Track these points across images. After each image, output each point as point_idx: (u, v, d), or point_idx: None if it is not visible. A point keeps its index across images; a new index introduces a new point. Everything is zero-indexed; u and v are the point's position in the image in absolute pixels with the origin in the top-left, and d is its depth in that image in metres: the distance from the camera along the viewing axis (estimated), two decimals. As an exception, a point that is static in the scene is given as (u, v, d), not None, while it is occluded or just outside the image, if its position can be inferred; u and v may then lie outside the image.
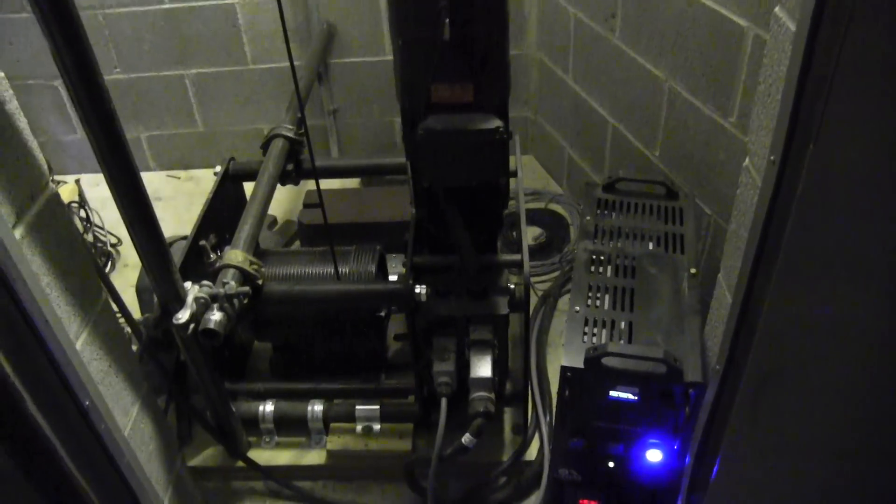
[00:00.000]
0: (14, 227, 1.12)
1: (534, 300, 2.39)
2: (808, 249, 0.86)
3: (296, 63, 2.85)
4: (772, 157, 0.85)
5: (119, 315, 1.51)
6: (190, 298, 1.56)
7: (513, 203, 2.24)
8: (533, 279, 2.51)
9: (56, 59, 1.13)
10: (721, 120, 1.81)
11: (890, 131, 0.78)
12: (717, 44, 1.76)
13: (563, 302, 2.40)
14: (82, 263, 1.35)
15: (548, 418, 1.99)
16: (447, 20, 1.43)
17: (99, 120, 1.22)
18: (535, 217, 2.75)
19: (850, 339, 0.99)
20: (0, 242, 1.01)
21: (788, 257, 0.85)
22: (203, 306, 1.57)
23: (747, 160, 1.15)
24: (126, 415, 1.48)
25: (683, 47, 1.90)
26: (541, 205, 2.83)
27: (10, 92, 1.16)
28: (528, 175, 2.97)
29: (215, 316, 1.56)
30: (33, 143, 1.22)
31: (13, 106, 1.17)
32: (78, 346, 1.25)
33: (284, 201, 2.91)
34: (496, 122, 1.53)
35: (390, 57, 2.86)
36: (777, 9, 0.98)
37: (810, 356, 1.01)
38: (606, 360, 1.43)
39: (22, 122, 1.19)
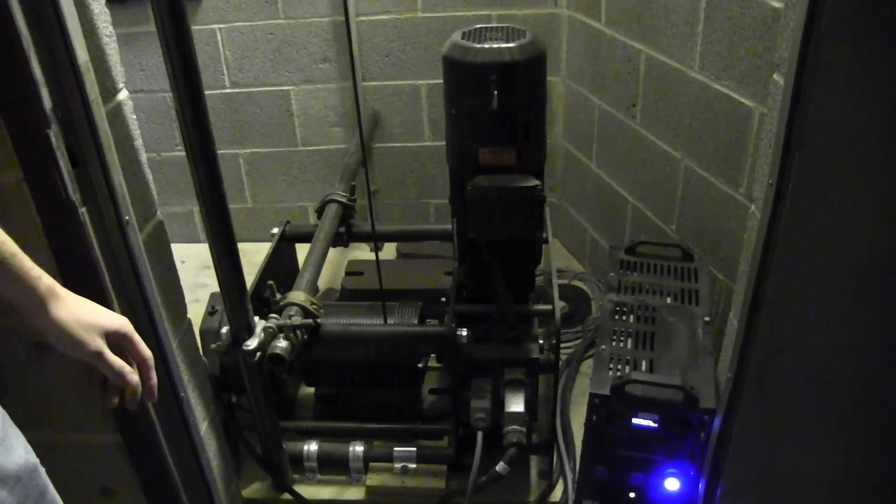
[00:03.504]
0: (138, 238, 1.34)
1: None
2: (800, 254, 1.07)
3: (343, 146, 3.13)
4: (770, 181, 1.07)
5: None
6: (259, 328, 1.77)
7: (540, 277, 2.47)
8: (557, 345, 2.69)
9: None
10: (731, 192, 2.04)
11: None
12: (728, 123, 2.00)
13: (585, 366, 2.57)
14: (175, 286, 1.56)
15: (572, 464, 2.14)
16: (495, 92, 1.68)
17: (206, 162, 1.46)
18: (559, 292, 2.95)
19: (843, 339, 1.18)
20: (137, 244, 1.22)
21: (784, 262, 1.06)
22: (270, 336, 1.77)
23: (752, 206, 1.36)
24: (199, 428, 1.66)
25: (697, 128, 2.15)
26: (564, 281, 3.04)
27: (139, 131, 1.40)
28: (553, 255, 3.19)
29: (282, 343, 1.76)
30: (149, 176, 1.45)
31: (139, 143, 1.40)
32: (174, 347, 1.45)
33: (325, 273, 3.13)
34: (535, 182, 1.76)
35: (428, 143, 3.16)
36: (774, 74, 1.21)
37: (811, 335, 1.19)
38: (630, 388, 1.61)
39: (143, 158, 1.42)
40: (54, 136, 1.06)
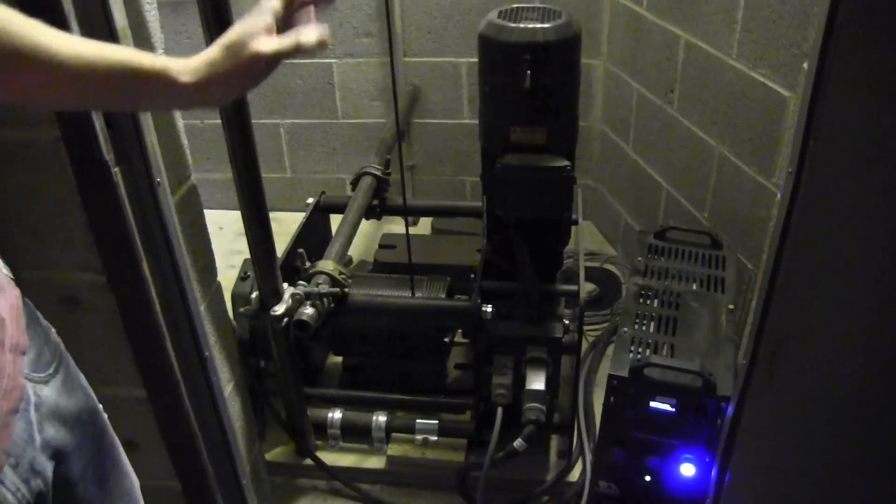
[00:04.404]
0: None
1: (585, 346, 2.57)
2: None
3: (382, 120, 3.16)
4: (790, 169, 1.07)
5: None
6: (287, 295, 1.81)
7: (570, 259, 2.48)
8: (585, 328, 2.69)
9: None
10: (764, 181, 2.03)
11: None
12: (763, 112, 1.99)
13: (611, 349, 2.58)
14: (206, 250, 1.60)
15: (591, 445, 2.16)
16: (528, 71, 1.69)
17: (239, 127, 1.50)
18: (590, 274, 2.96)
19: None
20: (167, 205, 1.27)
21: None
22: (298, 302, 1.81)
23: (778, 195, 1.36)
24: (224, 390, 1.71)
25: (733, 116, 2.14)
26: (596, 264, 3.04)
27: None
28: (586, 238, 3.19)
29: (308, 310, 1.80)
30: (185, 141, 1.49)
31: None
32: (201, 310, 1.49)
33: (359, 245, 3.17)
34: (565, 162, 1.77)
35: (467, 121, 3.17)
36: (805, 63, 1.21)
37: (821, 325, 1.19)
38: (649, 371, 1.62)
39: (180, 123, 1.46)
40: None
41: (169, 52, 1.36)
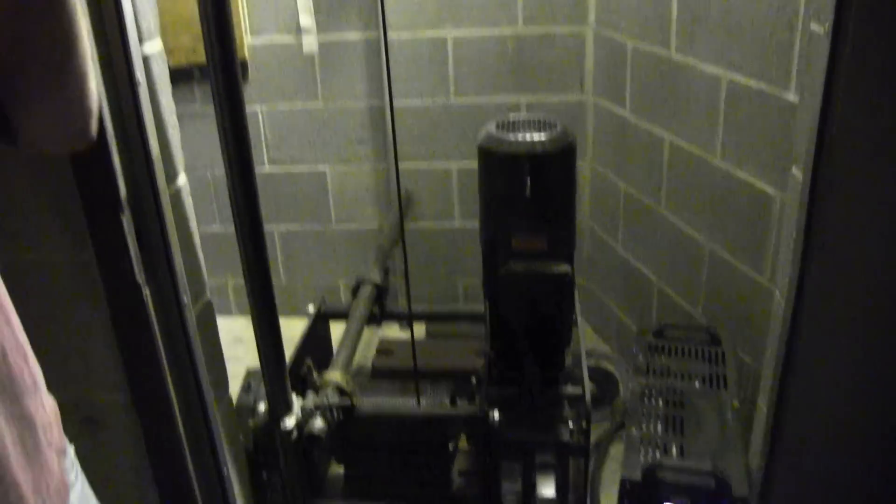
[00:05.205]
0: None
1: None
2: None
3: (375, 225, 3.21)
4: (790, 276, 1.12)
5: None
6: (296, 407, 1.81)
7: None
8: (584, 426, 2.70)
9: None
10: (756, 276, 2.09)
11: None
12: (750, 209, 2.07)
13: (615, 448, 2.58)
14: (220, 363, 1.62)
15: (601, 547, 2.14)
16: (528, 181, 1.76)
17: (253, 238, 1.54)
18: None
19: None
20: (192, 324, 1.29)
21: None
22: (308, 415, 1.82)
23: (777, 293, 1.41)
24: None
25: (721, 213, 2.22)
26: (591, 362, 3.07)
27: (194, 213, 1.48)
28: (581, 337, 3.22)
29: (319, 423, 1.80)
30: (202, 258, 1.52)
31: (194, 225, 1.48)
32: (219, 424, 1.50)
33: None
34: (566, 268, 1.82)
35: (458, 225, 3.24)
36: (793, 168, 1.28)
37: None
38: (661, 474, 1.64)
39: (197, 239, 1.50)
40: (126, 221, 1.14)
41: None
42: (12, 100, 0.74)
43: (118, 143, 1.13)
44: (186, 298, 1.28)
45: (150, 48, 1.29)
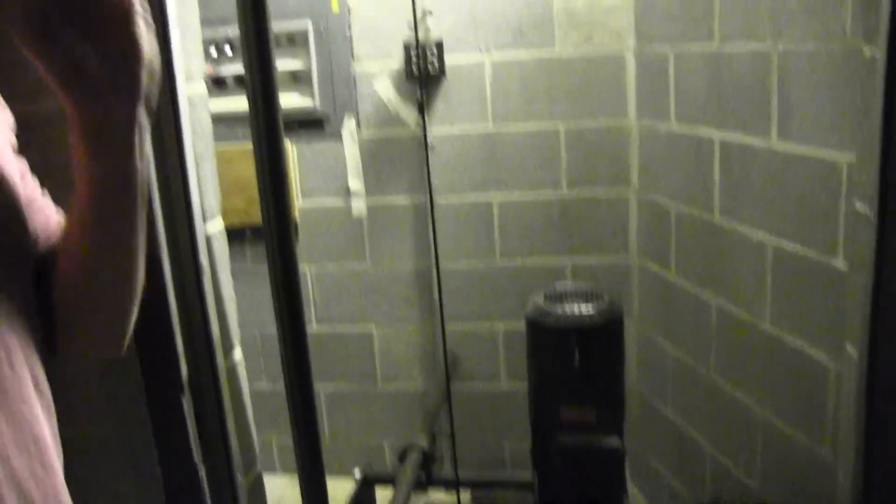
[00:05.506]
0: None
1: None
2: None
3: (422, 389, 3.23)
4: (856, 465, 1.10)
5: None
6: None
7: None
8: None
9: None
10: (815, 447, 2.03)
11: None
12: (803, 378, 2.02)
13: None
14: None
15: None
16: (577, 353, 1.78)
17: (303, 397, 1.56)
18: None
19: None
20: (242, 491, 1.29)
21: None
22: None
23: (840, 474, 1.37)
24: None
25: (772, 380, 2.18)
26: (642, 531, 2.96)
27: (248, 388, 1.51)
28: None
29: None
30: (254, 432, 1.54)
31: (247, 399, 1.51)
32: None
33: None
34: (617, 442, 1.81)
35: (505, 387, 3.23)
36: (848, 345, 1.28)
37: None
38: None
39: (250, 413, 1.52)
40: (186, 402, 1.17)
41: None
42: (72, 322, 0.81)
43: (181, 325, 1.17)
44: (240, 477, 1.29)
45: (212, 227, 1.36)
